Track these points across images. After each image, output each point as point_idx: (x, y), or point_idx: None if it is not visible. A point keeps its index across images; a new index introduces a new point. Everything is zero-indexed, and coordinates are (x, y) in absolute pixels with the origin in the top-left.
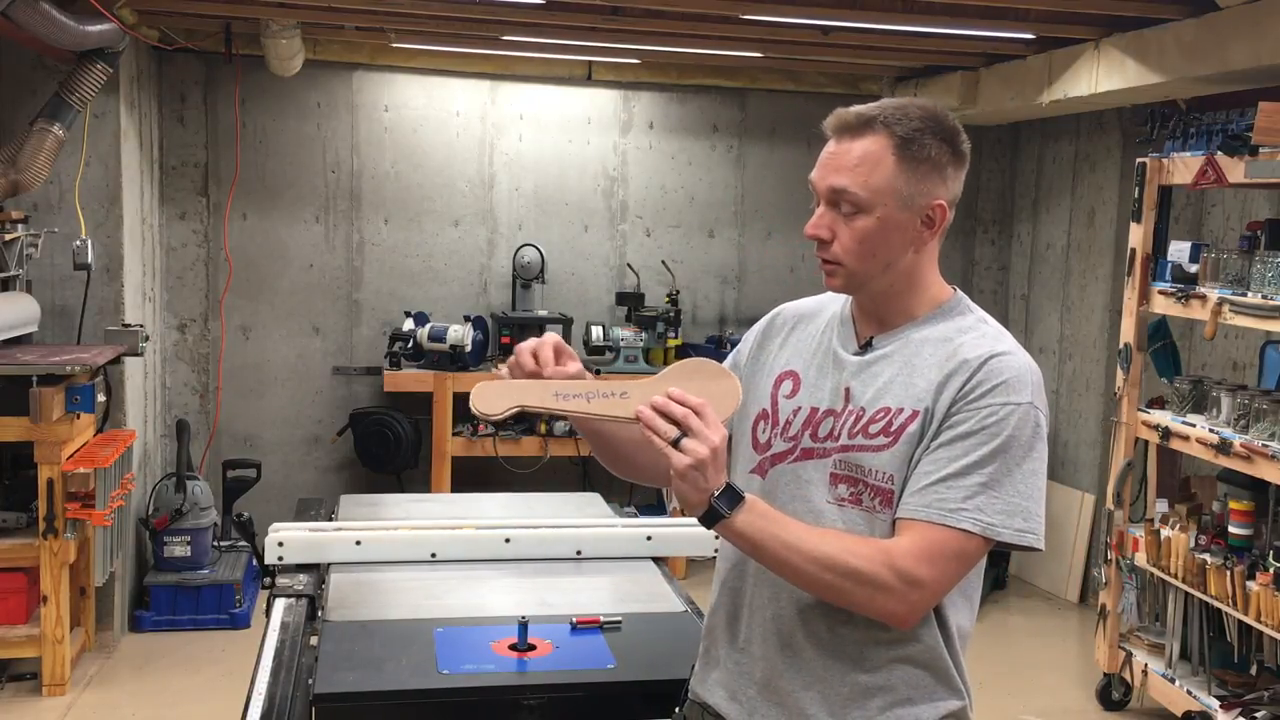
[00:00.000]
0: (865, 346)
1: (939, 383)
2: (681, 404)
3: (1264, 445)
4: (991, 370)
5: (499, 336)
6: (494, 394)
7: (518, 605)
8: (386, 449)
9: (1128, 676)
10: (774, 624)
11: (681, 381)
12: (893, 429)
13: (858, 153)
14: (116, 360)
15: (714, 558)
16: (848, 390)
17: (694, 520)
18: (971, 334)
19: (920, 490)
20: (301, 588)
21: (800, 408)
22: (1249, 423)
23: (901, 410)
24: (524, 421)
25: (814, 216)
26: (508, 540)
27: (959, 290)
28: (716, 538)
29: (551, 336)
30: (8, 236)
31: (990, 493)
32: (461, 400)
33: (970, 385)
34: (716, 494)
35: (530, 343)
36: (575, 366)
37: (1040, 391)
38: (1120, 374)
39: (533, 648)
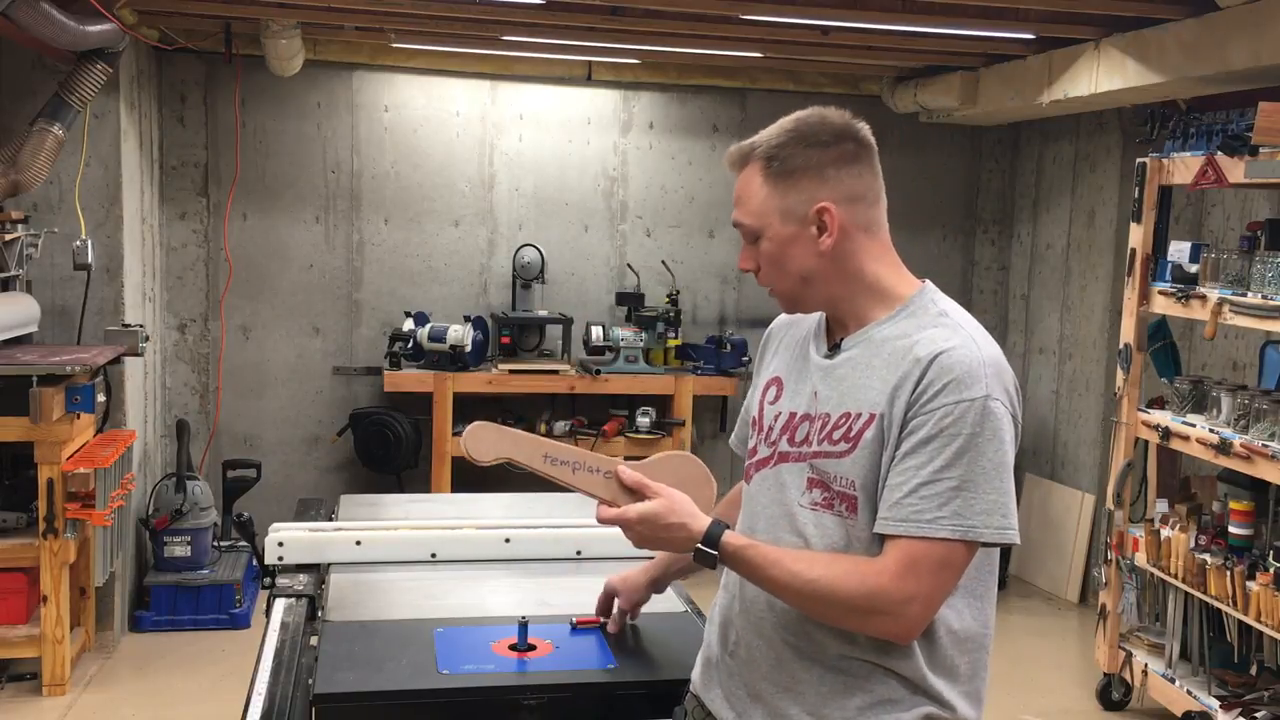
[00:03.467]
0: (834, 349)
1: (894, 384)
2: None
3: (1264, 445)
4: (940, 369)
5: (499, 336)
6: (487, 440)
7: (518, 605)
8: (386, 449)
9: (1128, 676)
10: (757, 629)
11: (660, 470)
12: (852, 434)
13: (741, 185)
14: (116, 360)
15: None
16: (815, 394)
17: None
18: (928, 331)
19: (895, 504)
20: (301, 588)
21: (781, 413)
22: (1249, 423)
23: (860, 415)
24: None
25: (740, 252)
26: (508, 540)
27: (927, 284)
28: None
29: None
30: (8, 236)
31: (965, 495)
32: (461, 400)
33: (922, 387)
34: (700, 543)
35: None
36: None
37: (998, 379)
38: (1120, 374)
39: (533, 648)
